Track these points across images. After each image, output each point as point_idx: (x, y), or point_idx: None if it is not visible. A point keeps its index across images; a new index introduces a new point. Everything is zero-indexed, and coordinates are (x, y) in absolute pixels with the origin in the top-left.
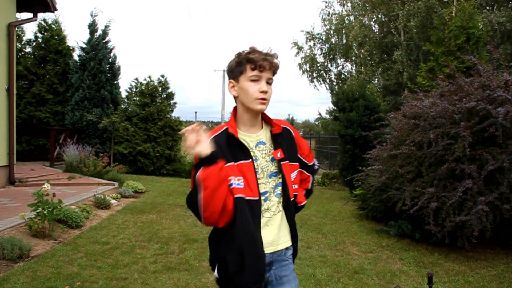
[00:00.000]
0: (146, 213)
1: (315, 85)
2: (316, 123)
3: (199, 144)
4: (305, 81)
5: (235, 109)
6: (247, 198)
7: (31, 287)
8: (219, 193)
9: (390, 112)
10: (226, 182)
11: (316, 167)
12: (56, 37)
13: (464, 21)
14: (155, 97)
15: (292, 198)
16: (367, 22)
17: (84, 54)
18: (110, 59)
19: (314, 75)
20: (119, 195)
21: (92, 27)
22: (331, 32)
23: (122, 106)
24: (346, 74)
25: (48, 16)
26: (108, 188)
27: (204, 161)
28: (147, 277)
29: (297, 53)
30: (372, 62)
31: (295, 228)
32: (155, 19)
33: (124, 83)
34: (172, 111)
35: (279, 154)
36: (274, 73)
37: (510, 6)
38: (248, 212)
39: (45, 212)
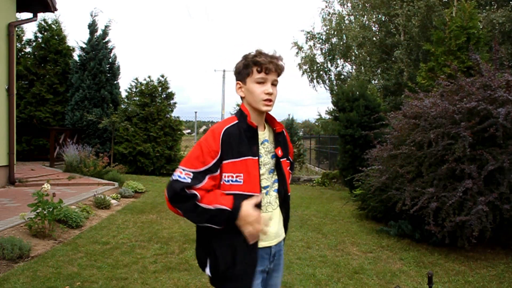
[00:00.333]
0: (146, 213)
1: (314, 86)
2: (317, 123)
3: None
4: (305, 81)
5: (243, 106)
6: (247, 193)
7: (31, 287)
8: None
9: (390, 112)
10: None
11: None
12: (56, 37)
13: (464, 21)
14: (155, 97)
15: (289, 193)
16: (366, 22)
17: (84, 54)
18: (110, 59)
19: (314, 75)
20: (119, 195)
21: (92, 27)
22: (332, 32)
23: (122, 106)
24: (345, 74)
25: (48, 16)
26: (108, 188)
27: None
28: (147, 277)
29: (297, 53)
30: (372, 62)
31: (288, 220)
32: (155, 19)
33: (124, 83)
34: (172, 111)
35: (280, 152)
36: (279, 75)
37: (510, 6)
38: None
39: (45, 212)
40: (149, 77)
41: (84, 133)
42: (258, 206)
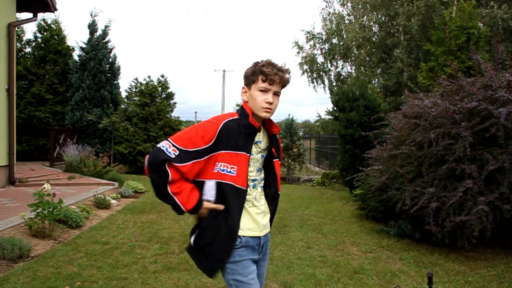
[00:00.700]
0: (146, 213)
1: (314, 86)
2: (317, 124)
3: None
4: (305, 81)
5: (246, 105)
6: (236, 185)
7: (31, 287)
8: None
9: (390, 112)
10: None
11: None
12: (56, 37)
13: (464, 21)
14: (155, 97)
15: (280, 191)
16: (366, 23)
17: (84, 54)
18: (110, 59)
19: (314, 75)
20: (119, 195)
21: (92, 27)
22: (332, 31)
23: (122, 106)
24: (344, 74)
25: (48, 16)
26: (108, 188)
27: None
28: (147, 277)
29: (298, 52)
30: (372, 63)
31: (275, 214)
32: (155, 19)
33: (124, 83)
34: (172, 111)
35: (275, 152)
36: (283, 87)
37: None
38: (235, 198)
39: (45, 212)
40: (149, 77)
41: (84, 133)
42: (242, 199)
